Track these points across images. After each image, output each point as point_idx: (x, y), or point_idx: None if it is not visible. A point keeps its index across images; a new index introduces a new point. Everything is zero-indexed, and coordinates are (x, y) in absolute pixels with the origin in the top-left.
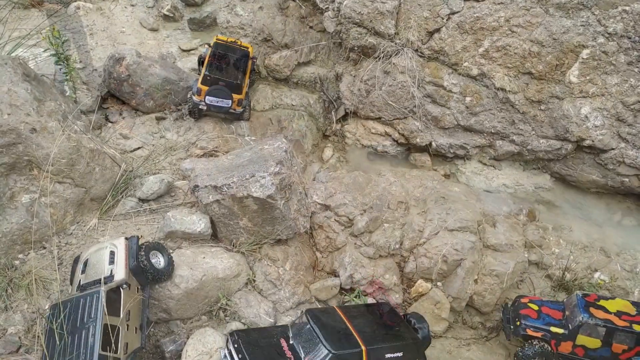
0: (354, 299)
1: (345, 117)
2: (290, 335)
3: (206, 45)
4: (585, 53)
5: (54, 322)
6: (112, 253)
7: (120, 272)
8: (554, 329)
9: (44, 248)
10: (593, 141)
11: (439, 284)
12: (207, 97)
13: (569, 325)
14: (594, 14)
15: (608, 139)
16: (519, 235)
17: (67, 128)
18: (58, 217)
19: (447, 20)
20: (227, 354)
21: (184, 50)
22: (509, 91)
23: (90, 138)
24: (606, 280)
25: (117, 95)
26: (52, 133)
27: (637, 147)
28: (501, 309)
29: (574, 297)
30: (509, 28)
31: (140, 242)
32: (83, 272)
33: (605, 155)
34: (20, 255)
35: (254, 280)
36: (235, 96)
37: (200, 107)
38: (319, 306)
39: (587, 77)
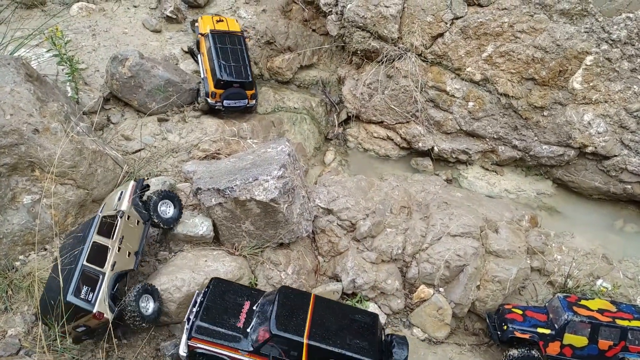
0: (356, 303)
1: (347, 121)
2: (258, 302)
3: (199, 35)
4: (588, 59)
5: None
6: (121, 193)
7: (123, 206)
8: (541, 330)
9: (45, 250)
10: (596, 148)
11: (441, 289)
12: (225, 100)
13: (555, 325)
14: (598, 21)
15: (611, 145)
16: (521, 242)
17: (70, 129)
18: (59, 219)
19: (450, 25)
20: (200, 292)
21: (186, 52)
22: (512, 97)
23: (92, 139)
24: (608, 288)
25: (119, 96)
26: (55, 134)
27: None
28: (485, 316)
29: (556, 299)
30: (513, 34)
31: (155, 190)
32: (101, 211)
33: (607, 162)
34: (21, 257)
35: (256, 284)
36: (249, 92)
37: (216, 107)
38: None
39: (591, 84)
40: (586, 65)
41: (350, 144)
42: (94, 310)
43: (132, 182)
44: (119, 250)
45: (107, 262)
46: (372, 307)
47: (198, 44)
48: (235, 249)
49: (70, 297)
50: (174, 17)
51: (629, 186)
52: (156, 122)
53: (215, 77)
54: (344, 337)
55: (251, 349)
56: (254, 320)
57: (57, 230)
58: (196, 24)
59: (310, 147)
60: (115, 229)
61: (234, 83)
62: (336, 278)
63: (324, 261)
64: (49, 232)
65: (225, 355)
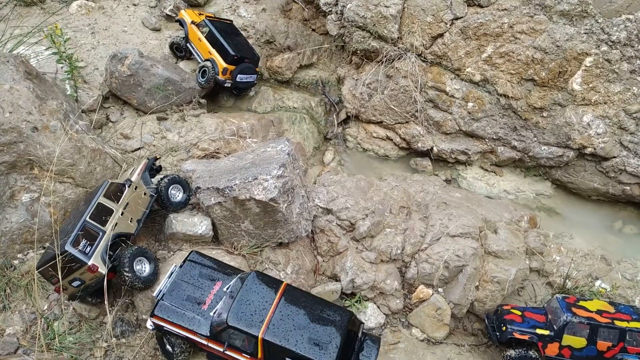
0: (355, 303)
1: (346, 121)
2: (230, 283)
3: (190, 24)
4: (588, 61)
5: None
6: (135, 168)
7: (132, 177)
8: (540, 331)
9: (44, 248)
10: (595, 149)
11: (440, 290)
12: (238, 75)
13: (554, 326)
14: (598, 22)
15: (610, 146)
16: (520, 242)
17: (69, 127)
18: (58, 217)
19: (450, 25)
20: (177, 265)
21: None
22: (512, 97)
23: (91, 138)
24: (607, 289)
25: (118, 94)
26: (54, 132)
27: (638, 155)
28: (484, 316)
29: (555, 300)
30: (513, 34)
31: (167, 174)
32: None
33: (606, 163)
34: (20, 255)
35: None
36: (256, 69)
37: (225, 85)
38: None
39: (590, 85)
40: (586, 66)
41: (350, 143)
42: (89, 262)
43: (145, 160)
44: (122, 214)
45: (109, 223)
46: (370, 307)
47: (187, 35)
48: (234, 248)
49: (68, 247)
50: (174, 15)
51: (628, 187)
52: (155, 120)
53: (228, 54)
54: (303, 335)
55: (209, 334)
56: (219, 304)
57: (56, 229)
58: (178, 18)
59: (310, 146)
60: (122, 195)
61: (246, 58)
62: (335, 278)
63: (323, 261)
64: (47, 231)
65: (185, 336)
